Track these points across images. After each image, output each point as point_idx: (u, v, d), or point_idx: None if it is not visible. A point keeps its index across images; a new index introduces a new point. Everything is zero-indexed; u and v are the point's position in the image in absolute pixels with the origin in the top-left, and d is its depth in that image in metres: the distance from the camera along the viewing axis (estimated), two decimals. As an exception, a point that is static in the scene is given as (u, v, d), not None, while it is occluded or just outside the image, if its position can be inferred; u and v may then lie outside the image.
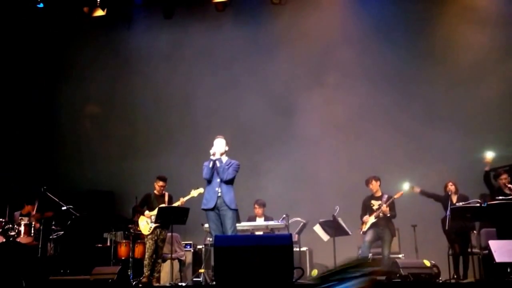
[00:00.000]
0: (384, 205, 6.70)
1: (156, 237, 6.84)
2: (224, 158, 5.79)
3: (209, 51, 9.41)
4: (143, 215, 6.93)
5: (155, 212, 6.81)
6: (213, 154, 5.67)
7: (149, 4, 9.62)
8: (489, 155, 6.75)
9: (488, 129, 8.11)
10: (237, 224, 6.49)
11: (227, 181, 5.67)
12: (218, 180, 5.66)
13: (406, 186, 7.00)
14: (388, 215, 6.74)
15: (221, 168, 5.67)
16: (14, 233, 7.32)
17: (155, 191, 7.05)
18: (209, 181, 5.72)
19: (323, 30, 8.96)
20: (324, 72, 8.89)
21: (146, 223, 6.88)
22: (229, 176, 5.68)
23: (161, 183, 7.01)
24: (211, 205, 5.62)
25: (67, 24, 9.84)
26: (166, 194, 7.08)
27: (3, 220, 7.42)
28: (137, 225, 7.10)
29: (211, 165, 5.66)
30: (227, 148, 5.82)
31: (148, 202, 6.99)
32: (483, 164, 6.86)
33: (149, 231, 6.82)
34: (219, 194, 5.62)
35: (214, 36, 9.42)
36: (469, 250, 6.50)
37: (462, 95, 8.36)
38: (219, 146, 5.78)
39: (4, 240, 7.26)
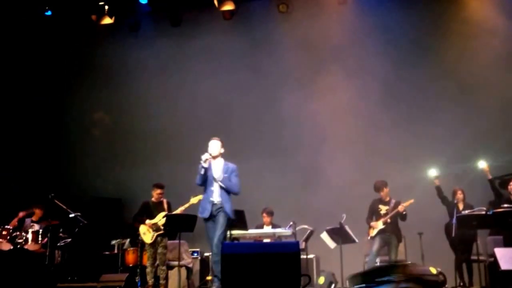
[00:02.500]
0: (402, 205, 6.72)
1: (156, 245, 6.86)
2: (220, 161, 5.68)
3: (216, 59, 9.45)
4: (144, 224, 6.91)
5: (156, 220, 6.84)
6: (205, 161, 5.51)
7: (156, 12, 9.71)
8: (482, 164, 6.77)
9: (496, 137, 8.09)
10: (245, 232, 6.55)
11: (231, 191, 5.59)
12: (213, 188, 5.56)
13: (432, 173, 7.00)
14: (405, 213, 6.75)
15: (224, 181, 5.55)
16: (22, 240, 7.37)
17: (153, 199, 7.04)
18: (205, 188, 5.62)
19: (330, 39, 9.00)
20: (331, 80, 8.91)
21: (148, 232, 6.86)
22: (236, 187, 5.60)
23: (158, 190, 7.00)
24: (206, 215, 5.56)
25: (74, 32, 9.94)
26: (165, 201, 7.07)
27: (11, 227, 7.48)
28: (139, 233, 7.10)
29: (202, 172, 5.53)
30: (222, 151, 5.69)
31: (147, 210, 6.98)
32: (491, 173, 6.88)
33: (151, 239, 6.82)
34: (215, 203, 5.55)
35: (221, 44, 9.48)
36: (476, 257, 6.50)
37: (470, 101, 8.36)
38: (214, 148, 5.63)
39: (12, 247, 7.32)
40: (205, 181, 5.60)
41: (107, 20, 9.49)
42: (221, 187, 5.57)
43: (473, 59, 8.44)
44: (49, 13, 9.49)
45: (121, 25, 9.76)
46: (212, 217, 5.56)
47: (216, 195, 5.56)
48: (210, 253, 7.32)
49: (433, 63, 8.71)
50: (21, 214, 7.77)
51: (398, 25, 8.78)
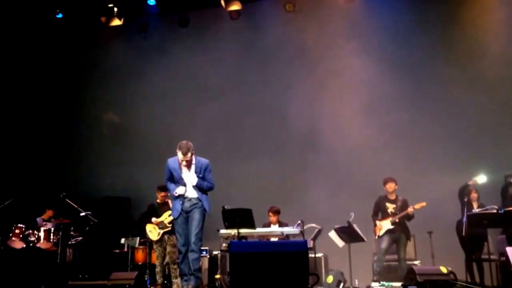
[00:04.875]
0: (411, 208, 6.67)
1: (164, 244, 6.94)
2: (193, 160, 5.36)
3: (223, 59, 9.49)
4: (151, 223, 7.01)
5: (162, 218, 6.94)
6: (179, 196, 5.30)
7: (164, 13, 9.79)
8: (481, 179, 6.71)
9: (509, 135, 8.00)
10: (253, 230, 6.55)
11: (206, 190, 5.40)
12: (185, 188, 5.37)
13: (482, 179, 6.75)
14: (412, 215, 6.71)
15: (199, 186, 5.33)
16: (34, 238, 7.48)
17: (158, 201, 7.14)
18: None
19: (337, 38, 8.98)
20: (338, 80, 8.89)
21: (154, 229, 6.97)
22: (210, 185, 5.39)
23: (163, 193, 7.05)
24: (175, 215, 5.42)
25: (84, 34, 10.07)
26: (169, 201, 7.15)
27: (23, 226, 7.59)
28: (146, 232, 7.15)
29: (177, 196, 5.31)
30: (193, 152, 5.32)
31: (153, 211, 7.08)
32: (503, 171, 6.79)
33: (158, 236, 6.91)
34: (189, 198, 5.35)
35: (229, 44, 9.52)
36: (487, 256, 6.44)
37: (484, 99, 8.23)
38: (188, 161, 5.28)
39: (24, 245, 7.43)
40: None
41: (116, 22, 9.64)
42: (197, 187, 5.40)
43: (482, 59, 8.34)
44: (60, 15, 9.61)
45: (130, 27, 9.87)
46: (183, 214, 5.38)
47: (189, 193, 5.38)
48: (219, 251, 7.45)
49: (445, 62, 8.59)
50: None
51: (406, 24, 8.72)
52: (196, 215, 5.35)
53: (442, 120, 8.40)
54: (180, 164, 5.36)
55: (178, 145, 5.30)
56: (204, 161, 5.44)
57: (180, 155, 5.27)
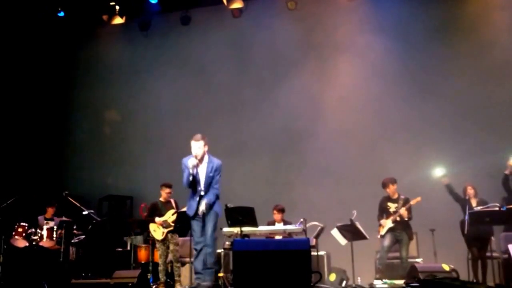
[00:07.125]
0: (403, 209, 6.68)
1: (167, 242, 6.95)
2: (205, 159, 5.48)
3: (225, 57, 9.50)
4: (154, 222, 7.01)
5: (165, 217, 6.95)
6: (193, 167, 5.33)
7: (166, 11, 9.80)
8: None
9: (508, 131, 7.98)
10: (255, 229, 6.56)
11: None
12: (199, 188, 5.46)
13: (439, 172, 6.87)
14: (406, 218, 6.72)
15: (205, 184, 5.41)
16: (37, 237, 7.51)
17: (161, 198, 7.13)
18: (192, 187, 5.48)
19: (339, 36, 8.98)
20: (340, 77, 8.89)
21: (158, 228, 6.98)
22: (216, 191, 5.45)
23: (167, 190, 7.07)
24: (191, 213, 5.50)
25: (86, 32, 10.07)
26: (172, 200, 7.16)
27: (26, 224, 7.62)
28: (149, 231, 7.16)
29: (191, 178, 5.37)
30: (206, 148, 5.46)
31: (156, 210, 7.07)
32: (504, 167, 6.78)
33: (162, 235, 6.92)
34: (201, 202, 5.41)
35: (230, 42, 9.53)
36: (490, 254, 6.44)
37: (486, 94, 8.23)
38: (198, 151, 5.38)
39: (27, 244, 7.46)
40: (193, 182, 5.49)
41: (118, 20, 9.65)
42: (208, 186, 5.48)
43: (485, 53, 8.31)
44: (61, 14, 9.62)
45: (132, 25, 9.88)
46: (198, 215, 5.47)
47: (205, 194, 5.47)
48: (222, 250, 7.47)
49: (445, 59, 8.59)
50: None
51: (407, 21, 8.72)
52: (210, 217, 5.47)
53: (446, 116, 8.38)
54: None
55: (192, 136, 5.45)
56: (216, 161, 5.55)
57: (192, 142, 5.40)
